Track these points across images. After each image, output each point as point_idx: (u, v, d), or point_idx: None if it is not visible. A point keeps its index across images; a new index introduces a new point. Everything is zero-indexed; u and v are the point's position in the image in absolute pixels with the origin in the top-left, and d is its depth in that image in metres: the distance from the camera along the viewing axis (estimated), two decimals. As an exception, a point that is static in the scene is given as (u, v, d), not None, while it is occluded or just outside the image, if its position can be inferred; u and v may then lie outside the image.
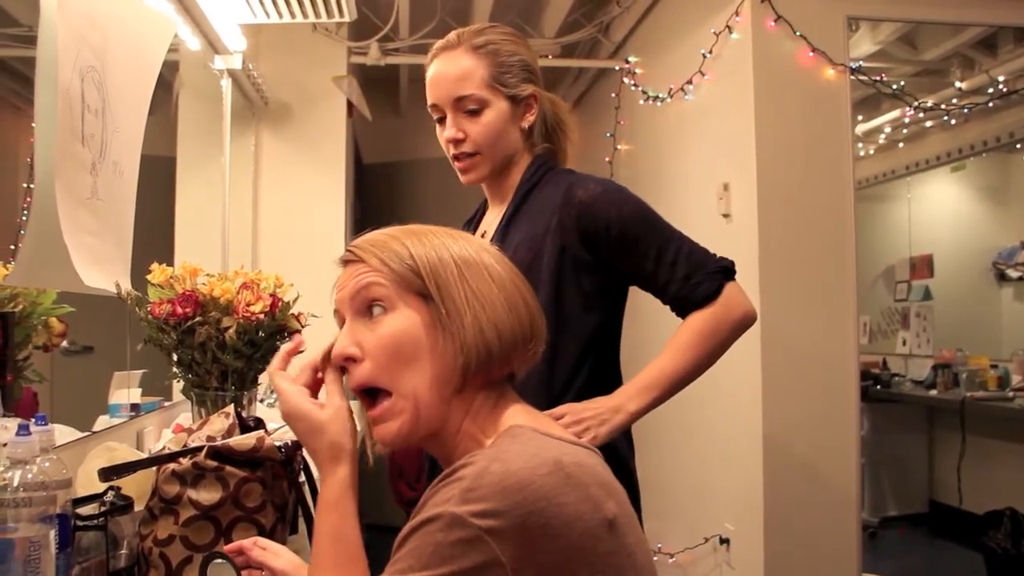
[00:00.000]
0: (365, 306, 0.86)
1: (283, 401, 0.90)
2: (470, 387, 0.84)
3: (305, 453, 1.31)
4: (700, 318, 1.36)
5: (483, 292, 0.84)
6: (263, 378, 1.78)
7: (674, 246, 1.38)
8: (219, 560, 0.96)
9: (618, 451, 1.35)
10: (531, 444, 0.76)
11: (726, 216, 2.94)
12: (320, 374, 0.92)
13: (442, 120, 1.45)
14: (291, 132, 3.61)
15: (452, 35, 1.45)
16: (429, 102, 1.45)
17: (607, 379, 1.40)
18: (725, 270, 1.39)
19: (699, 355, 1.35)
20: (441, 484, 0.74)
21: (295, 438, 1.24)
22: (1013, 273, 4.84)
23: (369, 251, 0.87)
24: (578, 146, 1.57)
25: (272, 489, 1.21)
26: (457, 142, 1.42)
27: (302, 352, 0.99)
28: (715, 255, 1.41)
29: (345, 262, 0.91)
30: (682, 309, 1.39)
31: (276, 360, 0.95)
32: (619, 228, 1.36)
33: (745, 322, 1.39)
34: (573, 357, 1.36)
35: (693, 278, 1.36)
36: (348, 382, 0.89)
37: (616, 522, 0.74)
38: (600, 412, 1.28)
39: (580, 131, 1.59)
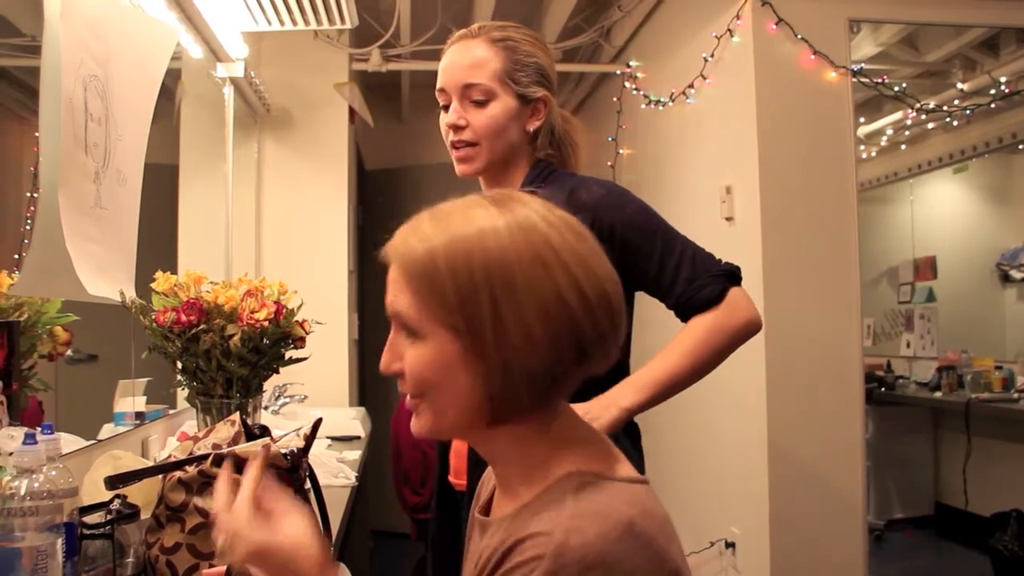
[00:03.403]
0: (400, 323, 0.81)
1: (240, 545, 0.79)
2: (514, 415, 0.79)
3: (309, 458, 1.31)
4: (700, 322, 1.34)
5: (518, 322, 0.74)
6: (268, 386, 1.78)
7: (678, 249, 1.37)
8: None
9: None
10: (597, 502, 0.74)
11: (729, 219, 2.94)
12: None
13: (447, 108, 1.43)
14: (293, 139, 3.62)
15: (473, 26, 1.43)
16: (438, 86, 1.43)
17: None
18: (730, 274, 1.36)
19: (697, 358, 1.32)
20: (514, 547, 0.73)
21: (301, 445, 1.25)
22: (1017, 274, 4.83)
23: (401, 264, 0.79)
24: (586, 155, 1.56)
25: (278, 496, 1.21)
26: (457, 128, 1.40)
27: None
28: (720, 260, 1.39)
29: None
30: (684, 313, 1.37)
31: (221, 495, 0.83)
32: (623, 231, 1.35)
33: (748, 329, 1.35)
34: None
35: (696, 281, 1.34)
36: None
37: (680, 572, 0.75)
38: (588, 411, 1.26)
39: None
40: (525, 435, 0.80)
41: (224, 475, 0.86)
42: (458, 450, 1.47)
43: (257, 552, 0.79)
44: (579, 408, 1.27)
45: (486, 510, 0.90)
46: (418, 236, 0.78)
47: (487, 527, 0.83)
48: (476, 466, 1.31)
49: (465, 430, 0.82)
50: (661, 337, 1.39)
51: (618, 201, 1.39)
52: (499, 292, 0.74)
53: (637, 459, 1.40)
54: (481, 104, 1.39)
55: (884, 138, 5.16)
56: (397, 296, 0.79)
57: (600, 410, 1.28)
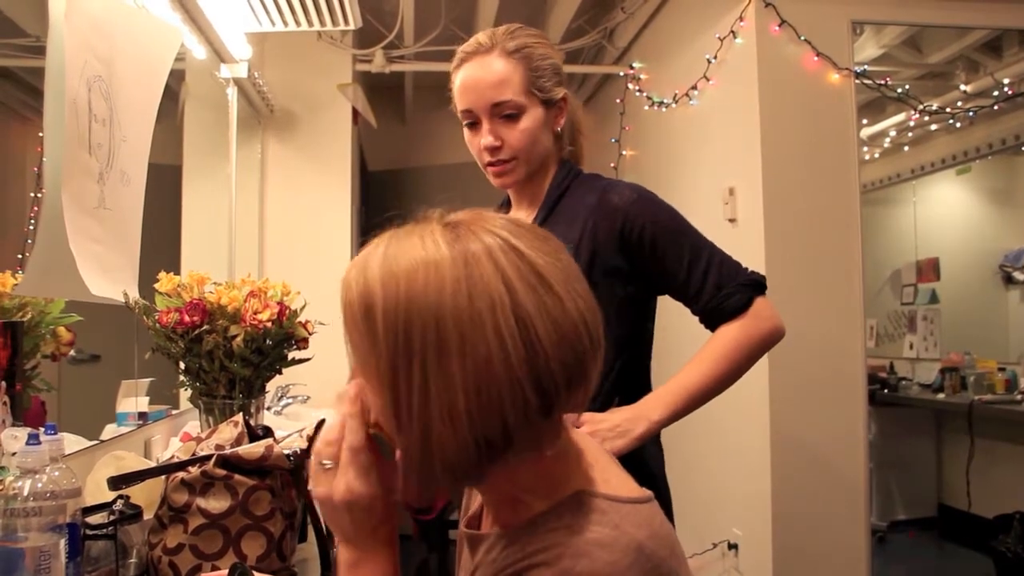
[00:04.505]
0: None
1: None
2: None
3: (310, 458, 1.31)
4: (729, 331, 1.36)
5: (441, 400, 0.66)
6: (271, 386, 1.78)
7: (706, 255, 1.38)
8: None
9: (647, 463, 1.34)
10: (606, 525, 0.70)
11: (732, 221, 2.94)
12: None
13: (472, 125, 1.41)
14: (297, 140, 3.62)
15: (483, 37, 1.39)
16: (461, 107, 1.40)
17: (637, 392, 1.38)
18: (756, 284, 1.38)
19: (726, 368, 1.34)
20: (520, 573, 0.70)
21: (304, 446, 1.25)
22: (1020, 276, 4.82)
23: (342, 304, 0.74)
24: (590, 145, 1.56)
25: (281, 497, 1.21)
26: (494, 149, 1.38)
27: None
28: (746, 268, 1.40)
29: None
30: (711, 320, 1.38)
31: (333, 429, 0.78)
32: (652, 235, 1.36)
33: (773, 337, 1.37)
34: (602, 368, 1.33)
35: (724, 289, 1.36)
36: None
37: None
38: (618, 424, 1.27)
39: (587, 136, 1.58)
40: (515, 467, 0.73)
41: (350, 397, 0.78)
42: None
43: (348, 496, 0.75)
44: (607, 418, 1.28)
45: (474, 522, 0.87)
46: (360, 275, 0.72)
47: (479, 542, 0.80)
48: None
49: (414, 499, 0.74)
50: (681, 342, 1.39)
51: (648, 205, 1.39)
52: (429, 354, 0.66)
53: (657, 455, 1.41)
54: (512, 119, 1.37)
55: (887, 140, 5.16)
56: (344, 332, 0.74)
57: (630, 423, 1.28)
